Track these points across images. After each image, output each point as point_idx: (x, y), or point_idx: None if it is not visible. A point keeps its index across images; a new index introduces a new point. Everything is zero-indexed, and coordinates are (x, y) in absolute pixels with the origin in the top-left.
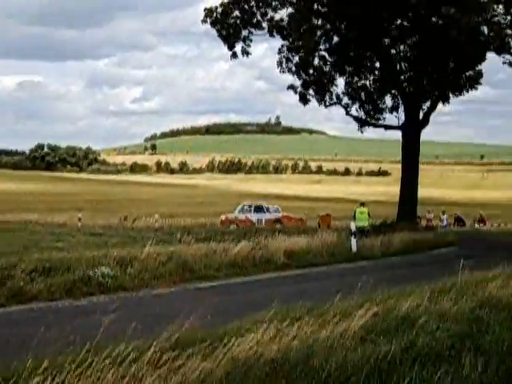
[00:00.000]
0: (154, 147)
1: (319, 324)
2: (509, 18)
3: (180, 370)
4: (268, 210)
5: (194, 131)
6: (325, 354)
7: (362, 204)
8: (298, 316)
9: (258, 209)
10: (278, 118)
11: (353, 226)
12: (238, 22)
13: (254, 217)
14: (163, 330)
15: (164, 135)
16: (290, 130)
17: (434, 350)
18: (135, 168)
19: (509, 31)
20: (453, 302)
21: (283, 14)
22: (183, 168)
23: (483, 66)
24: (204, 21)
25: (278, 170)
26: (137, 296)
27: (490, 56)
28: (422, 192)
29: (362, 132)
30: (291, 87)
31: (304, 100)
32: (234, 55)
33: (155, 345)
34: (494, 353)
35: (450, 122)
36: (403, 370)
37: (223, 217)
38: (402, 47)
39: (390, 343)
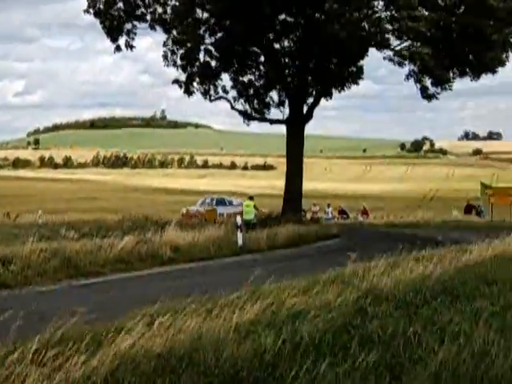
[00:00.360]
0: (37, 142)
1: (206, 318)
2: (388, 13)
3: (64, 368)
4: (231, 203)
5: (79, 126)
6: (212, 347)
7: (251, 198)
8: (186, 310)
9: (220, 202)
10: (163, 112)
11: (238, 219)
12: (122, 13)
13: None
14: (47, 328)
15: (47, 130)
16: (175, 125)
17: (320, 341)
18: (18, 163)
19: (389, 27)
20: (337, 293)
21: (167, 6)
22: (67, 163)
23: (365, 62)
24: (87, 11)
25: (163, 164)
26: (20, 294)
27: (372, 51)
28: (307, 185)
29: (248, 126)
30: (176, 81)
31: (189, 93)
32: (118, 48)
33: (38, 343)
34: (378, 341)
35: (333, 117)
36: (289, 362)
37: (184, 210)
38: (286, 42)
39: (276, 336)
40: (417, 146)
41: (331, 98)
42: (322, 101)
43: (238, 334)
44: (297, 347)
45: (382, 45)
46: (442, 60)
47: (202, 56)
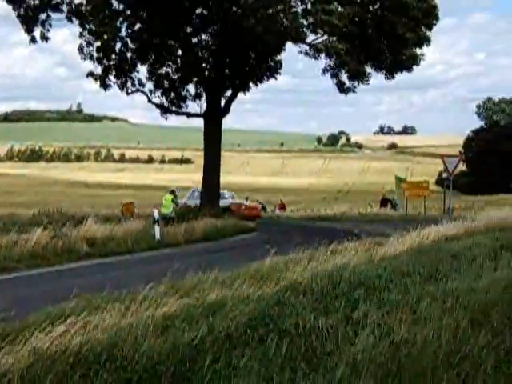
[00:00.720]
0: None
1: (124, 313)
2: (303, 7)
3: None
4: (223, 196)
5: None
6: (130, 343)
7: (172, 192)
8: (103, 305)
9: None
10: (79, 105)
11: (155, 213)
12: (38, 2)
13: None
14: None
15: None
16: (92, 118)
17: (237, 335)
18: None
19: (304, 21)
20: (256, 286)
21: None
22: None
23: (283, 56)
24: None
25: (80, 158)
26: None
27: (290, 46)
28: (225, 179)
29: (166, 119)
30: (91, 74)
31: (105, 86)
32: (33, 40)
33: None
34: (295, 333)
35: (251, 111)
36: (207, 356)
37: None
38: (203, 36)
39: (194, 330)
40: (333, 140)
41: (249, 91)
42: (240, 94)
43: (155, 329)
44: (215, 341)
45: (298, 39)
46: (357, 55)
47: (118, 48)
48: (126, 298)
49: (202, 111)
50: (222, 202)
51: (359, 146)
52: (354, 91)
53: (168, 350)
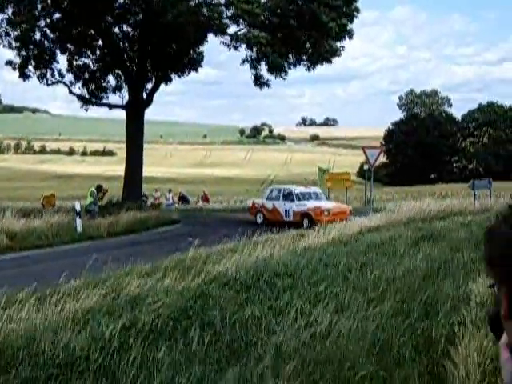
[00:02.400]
0: None
1: (43, 307)
2: None
3: None
4: (298, 193)
5: None
6: (50, 337)
7: (99, 187)
8: (21, 299)
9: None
10: None
11: (77, 205)
12: None
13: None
14: None
15: None
16: (11, 109)
17: (159, 327)
18: None
19: (226, 13)
20: (180, 278)
21: None
22: None
23: (206, 48)
24: None
25: None
26: None
27: (213, 38)
28: (148, 171)
29: (86, 111)
30: (9, 63)
31: (24, 76)
32: None
33: None
34: (219, 325)
35: (173, 102)
36: (129, 349)
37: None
38: (125, 27)
39: (115, 323)
40: (256, 131)
41: (171, 83)
42: (162, 86)
43: (76, 322)
44: (138, 333)
45: (219, 31)
46: (279, 47)
47: (37, 38)
48: (43, 292)
49: (124, 102)
50: (298, 206)
51: (282, 138)
52: (268, 86)
53: (89, 343)
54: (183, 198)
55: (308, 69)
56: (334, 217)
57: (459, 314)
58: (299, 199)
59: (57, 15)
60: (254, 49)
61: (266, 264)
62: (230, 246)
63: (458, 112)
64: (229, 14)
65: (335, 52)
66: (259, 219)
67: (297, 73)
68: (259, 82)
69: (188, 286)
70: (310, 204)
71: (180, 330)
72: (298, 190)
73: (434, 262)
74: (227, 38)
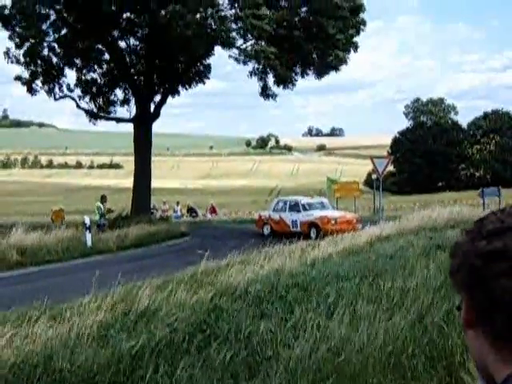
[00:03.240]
0: None
1: (57, 324)
2: (233, 11)
3: None
4: (301, 204)
5: None
6: (66, 354)
7: (103, 197)
8: (36, 317)
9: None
10: (5, 111)
11: (87, 219)
12: None
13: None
14: None
15: None
16: (18, 124)
17: (175, 342)
18: None
19: (233, 25)
20: (192, 292)
21: (6, 1)
22: None
23: (212, 59)
24: None
25: (6, 164)
26: None
27: (218, 49)
28: (155, 183)
29: (94, 125)
30: (18, 78)
31: (32, 91)
32: None
33: None
34: (234, 339)
35: (180, 114)
36: (147, 365)
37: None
38: (132, 40)
39: (130, 339)
40: (262, 142)
41: (178, 95)
42: (168, 99)
43: (91, 338)
44: (154, 349)
45: (228, 43)
46: (286, 59)
47: (45, 53)
48: (57, 308)
49: (132, 116)
50: (305, 216)
51: (288, 149)
52: (275, 99)
53: (107, 360)
54: (191, 210)
55: (317, 77)
56: (341, 226)
57: None
58: (305, 209)
59: (64, 30)
60: (262, 61)
61: (277, 276)
62: (241, 259)
63: (463, 119)
64: (236, 28)
65: (342, 61)
66: (266, 231)
67: (302, 82)
68: (266, 93)
69: (201, 299)
70: (317, 213)
71: (196, 344)
72: (304, 200)
73: (447, 272)
74: (235, 52)
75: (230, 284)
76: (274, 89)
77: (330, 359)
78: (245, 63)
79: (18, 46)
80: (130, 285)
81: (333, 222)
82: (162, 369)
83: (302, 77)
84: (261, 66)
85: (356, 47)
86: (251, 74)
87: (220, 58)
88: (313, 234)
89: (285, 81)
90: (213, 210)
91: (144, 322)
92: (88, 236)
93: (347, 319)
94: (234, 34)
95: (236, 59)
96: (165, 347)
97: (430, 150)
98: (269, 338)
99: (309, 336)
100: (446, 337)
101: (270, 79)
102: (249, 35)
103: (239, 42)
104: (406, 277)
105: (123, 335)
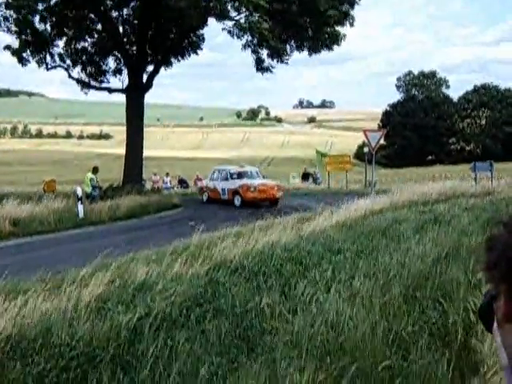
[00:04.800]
0: None
1: (53, 295)
2: None
3: None
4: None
5: None
6: (65, 327)
7: (94, 168)
8: (30, 288)
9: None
10: None
11: (79, 190)
12: None
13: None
14: None
15: None
16: (7, 93)
17: (174, 316)
18: None
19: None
20: (187, 265)
21: None
22: None
23: (205, 30)
24: None
25: None
26: None
27: (210, 20)
28: (146, 154)
29: (86, 94)
30: (8, 48)
31: (23, 61)
32: None
33: None
34: (231, 313)
35: (170, 85)
36: (146, 339)
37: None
38: (125, 10)
39: (129, 311)
40: (253, 114)
41: (171, 66)
42: (161, 69)
43: (88, 311)
44: (152, 322)
45: (222, 16)
46: (279, 33)
47: (36, 22)
48: (53, 279)
49: (124, 86)
50: (230, 185)
51: (279, 120)
52: (271, 71)
53: (105, 333)
54: (182, 182)
55: (310, 54)
56: (260, 193)
57: (473, 301)
58: (233, 178)
59: None
60: (256, 35)
61: (272, 250)
62: (234, 231)
63: (455, 93)
64: (231, 1)
65: (337, 39)
66: (205, 198)
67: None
68: (261, 67)
69: (196, 272)
70: (240, 182)
71: (193, 318)
72: (232, 169)
73: (441, 246)
74: (228, 25)
75: (225, 257)
76: (269, 61)
77: (328, 334)
78: (238, 37)
79: (7, 18)
80: (125, 256)
81: (252, 189)
82: (160, 342)
83: (298, 50)
84: (255, 40)
85: (352, 22)
86: (245, 46)
87: (212, 29)
88: (237, 201)
89: (279, 54)
90: (199, 181)
91: (141, 296)
92: (80, 207)
93: (346, 293)
94: (228, 6)
95: (230, 32)
96: (163, 321)
97: (420, 124)
98: (266, 313)
99: (306, 309)
100: (444, 314)
101: (264, 52)
102: (243, 8)
103: (233, 13)
104: (401, 251)
105: (121, 308)
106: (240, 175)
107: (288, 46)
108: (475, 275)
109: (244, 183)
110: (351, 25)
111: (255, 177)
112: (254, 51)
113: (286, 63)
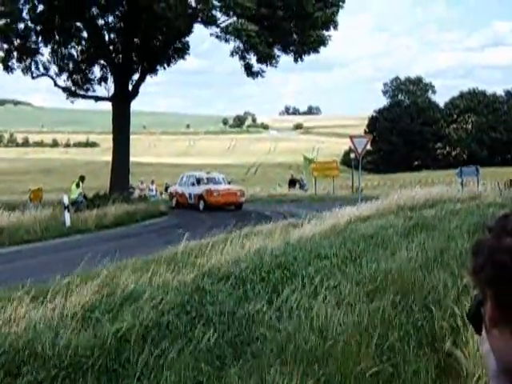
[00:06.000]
0: None
1: (38, 305)
2: None
3: None
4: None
5: None
6: (49, 336)
7: (81, 178)
8: (16, 297)
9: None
10: None
11: (65, 199)
12: None
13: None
14: None
15: None
16: None
17: (161, 324)
18: None
19: (216, 3)
20: (174, 272)
21: None
22: None
23: (190, 37)
24: None
25: None
26: None
27: (196, 27)
28: (132, 162)
29: (72, 103)
30: None
31: (8, 69)
32: None
33: None
34: (218, 321)
35: (156, 93)
36: (134, 349)
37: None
38: (110, 18)
39: (116, 321)
40: (239, 121)
41: (156, 74)
42: (146, 77)
43: (74, 320)
44: (139, 331)
45: (210, 21)
46: (266, 37)
47: (21, 30)
48: (39, 289)
49: (110, 94)
50: (197, 190)
51: (265, 127)
52: (262, 75)
53: (91, 342)
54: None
55: (296, 60)
56: (223, 198)
57: (461, 306)
58: (199, 183)
59: (40, 7)
60: (243, 39)
61: (259, 256)
62: (221, 238)
63: (441, 99)
64: (219, 5)
65: (322, 42)
66: (174, 203)
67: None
68: (251, 72)
69: (183, 280)
70: (205, 187)
71: (181, 326)
72: (199, 175)
73: (428, 252)
74: (216, 30)
75: (212, 264)
76: (259, 66)
77: (316, 341)
78: (226, 41)
79: None
80: (111, 265)
81: (215, 194)
82: (148, 351)
83: (284, 53)
84: (242, 45)
85: (335, 25)
86: (232, 53)
87: (197, 36)
88: (201, 205)
89: (266, 59)
90: None
91: (128, 304)
92: (67, 216)
93: (333, 300)
94: (215, 12)
95: (217, 36)
96: (150, 329)
97: (407, 129)
98: (254, 320)
99: (293, 316)
100: (429, 319)
101: (252, 58)
102: (230, 12)
103: (221, 19)
104: (389, 257)
105: (107, 317)
106: (206, 181)
107: (275, 50)
108: (462, 279)
109: (208, 188)
110: (335, 28)
111: (221, 182)
112: (242, 57)
113: (275, 66)
